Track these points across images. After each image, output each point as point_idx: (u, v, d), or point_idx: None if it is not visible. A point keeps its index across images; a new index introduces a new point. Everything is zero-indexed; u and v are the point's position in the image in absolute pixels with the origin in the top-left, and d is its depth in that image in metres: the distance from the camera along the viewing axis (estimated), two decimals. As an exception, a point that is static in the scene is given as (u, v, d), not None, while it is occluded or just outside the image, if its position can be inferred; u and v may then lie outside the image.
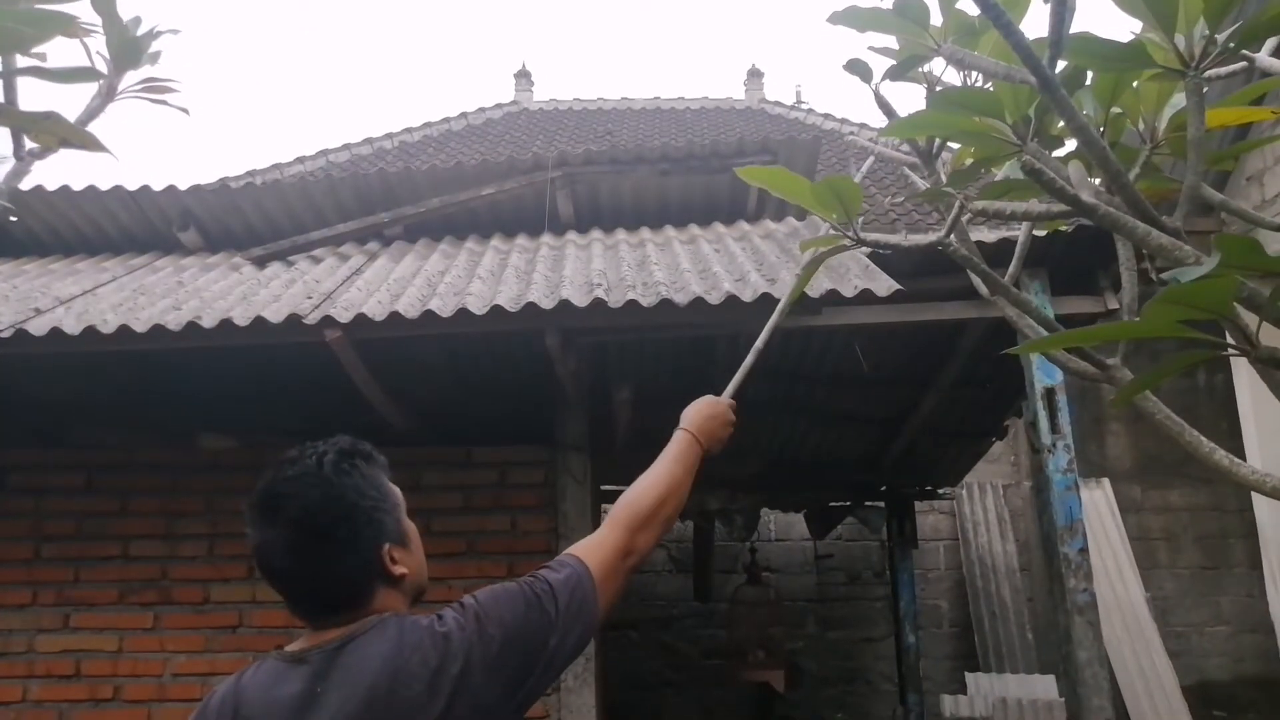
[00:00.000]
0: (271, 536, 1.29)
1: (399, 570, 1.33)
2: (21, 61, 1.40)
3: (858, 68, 1.59)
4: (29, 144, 1.81)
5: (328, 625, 1.29)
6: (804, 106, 12.88)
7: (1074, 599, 3.60)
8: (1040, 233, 3.59)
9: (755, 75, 13.78)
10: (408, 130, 11.69)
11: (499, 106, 13.01)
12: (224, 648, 4.04)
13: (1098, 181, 1.47)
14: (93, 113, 1.76)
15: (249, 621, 4.09)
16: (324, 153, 10.76)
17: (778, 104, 13.07)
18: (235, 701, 1.27)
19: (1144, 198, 1.20)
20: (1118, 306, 3.70)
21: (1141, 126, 1.42)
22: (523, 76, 13.76)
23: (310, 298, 3.78)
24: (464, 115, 12.39)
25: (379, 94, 47.59)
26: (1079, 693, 3.61)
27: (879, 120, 11.80)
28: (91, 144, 1.33)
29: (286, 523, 1.28)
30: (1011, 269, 1.76)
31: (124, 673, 4.02)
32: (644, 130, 11.54)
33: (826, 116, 11.93)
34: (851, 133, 11.15)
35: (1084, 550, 3.65)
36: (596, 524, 4.78)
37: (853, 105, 47.32)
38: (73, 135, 1.30)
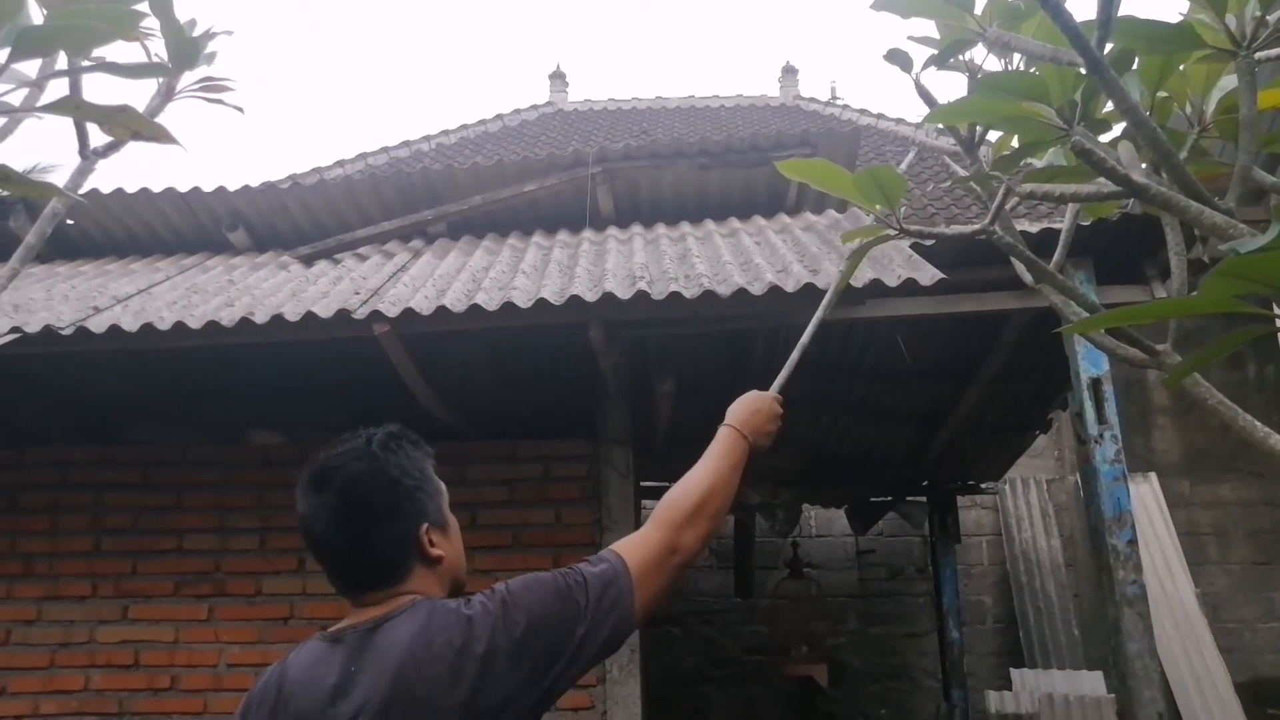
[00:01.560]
0: (317, 505, 1.36)
1: (436, 552, 1.38)
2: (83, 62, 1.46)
3: (898, 57, 1.59)
4: (93, 143, 1.88)
5: (366, 603, 1.35)
6: (839, 102, 12.80)
7: (1123, 591, 3.57)
8: (1084, 222, 3.56)
9: (790, 72, 13.71)
10: (445, 133, 11.79)
11: (534, 108, 13.06)
12: (276, 639, 4.12)
13: (1144, 166, 1.48)
14: (153, 112, 1.82)
15: (300, 613, 4.17)
16: (363, 156, 10.89)
17: (813, 100, 12.99)
18: (280, 681, 1.32)
19: (1195, 179, 1.20)
20: (1165, 296, 3.66)
21: (1189, 110, 1.41)
22: (557, 77, 13.81)
23: (358, 294, 3.86)
24: (500, 117, 12.47)
25: (414, 98, 48.03)
26: (1129, 685, 3.57)
27: (916, 115, 11.70)
28: (163, 136, 1.38)
29: (332, 492, 1.35)
30: (1057, 256, 1.76)
31: (180, 663, 4.12)
32: (679, 128, 11.53)
33: (862, 112, 11.85)
34: (888, 127, 11.07)
35: (1133, 541, 3.61)
36: (638, 516, 4.82)
37: (888, 101, 46.94)
38: (145, 128, 1.35)
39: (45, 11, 1.35)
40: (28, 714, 4.05)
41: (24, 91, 1.43)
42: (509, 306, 3.51)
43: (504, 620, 1.28)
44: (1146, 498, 7.51)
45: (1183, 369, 1.22)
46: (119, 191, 5.11)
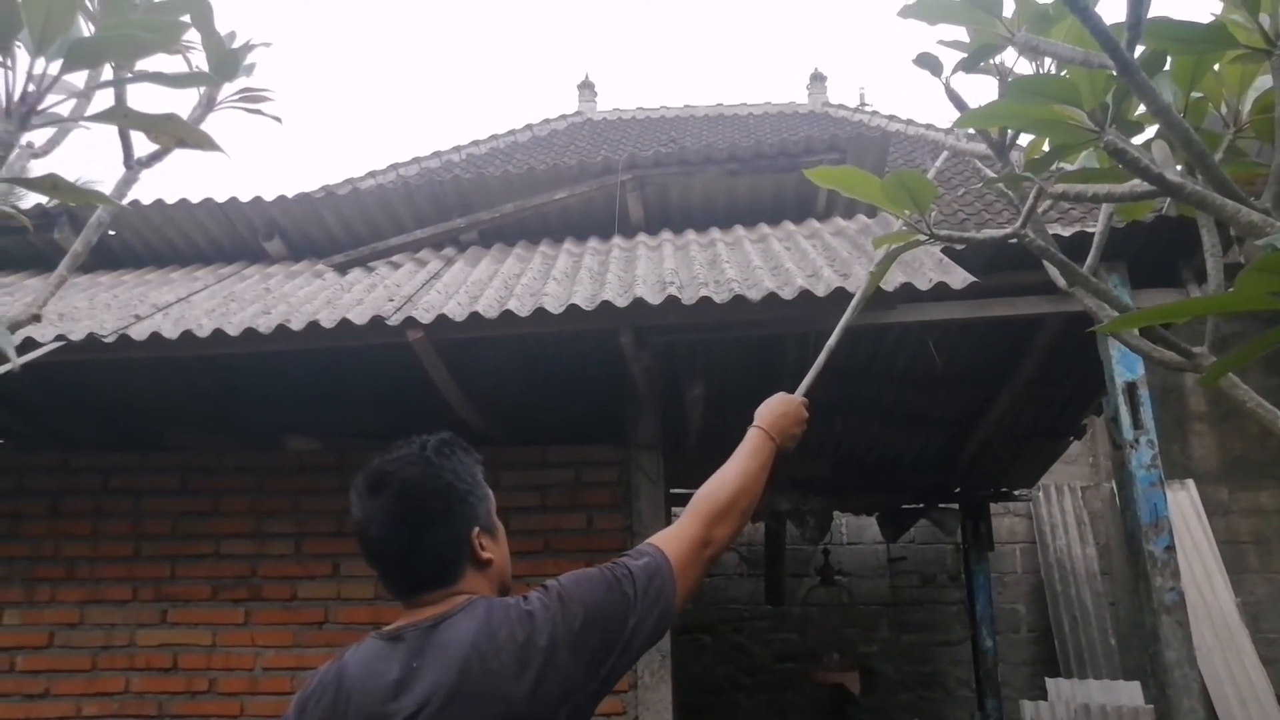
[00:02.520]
0: (373, 508, 1.39)
1: (486, 555, 1.42)
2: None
3: (928, 61, 1.59)
4: (136, 154, 1.93)
5: (421, 604, 1.37)
6: (868, 108, 12.76)
7: (1161, 598, 3.52)
8: (1119, 224, 3.53)
9: (818, 79, 13.68)
10: (475, 143, 11.88)
11: (563, 117, 13.13)
12: (311, 643, 4.17)
13: (1179, 168, 1.47)
14: (195, 121, 1.86)
15: (334, 617, 4.22)
16: (394, 166, 10.98)
17: (841, 107, 12.97)
18: (339, 678, 1.35)
19: (1230, 179, 1.20)
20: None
21: (1224, 110, 1.41)
22: (586, 87, 13.88)
23: (392, 301, 3.90)
24: (529, 127, 12.55)
25: (444, 109, 48.45)
26: (1168, 695, 3.52)
27: (945, 120, 11.64)
28: (207, 143, 1.41)
29: (388, 495, 1.38)
30: (1090, 259, 1.75)
31: (218, 666, 4.17)
32: (708, 136, 11.55)
33: (891, 118, 11.80)
34: (917, 133, 11.01)
35: (1170, 547, 3.56)
36: (669, 522, 4.83)
37: (917, 107, 46.70)
38: (190, 135, 1.39)
39: (92, 26, 1.39)
40: (70, 716, 4.13)
41: (72, 102, 1.48)
42: (541, 312, 3.54)
43: (562, 614, 1.33)
44: (1184, 505, 7.39)
45: (1220, 366, 1.21)
46: (159, 203, 5.21)
